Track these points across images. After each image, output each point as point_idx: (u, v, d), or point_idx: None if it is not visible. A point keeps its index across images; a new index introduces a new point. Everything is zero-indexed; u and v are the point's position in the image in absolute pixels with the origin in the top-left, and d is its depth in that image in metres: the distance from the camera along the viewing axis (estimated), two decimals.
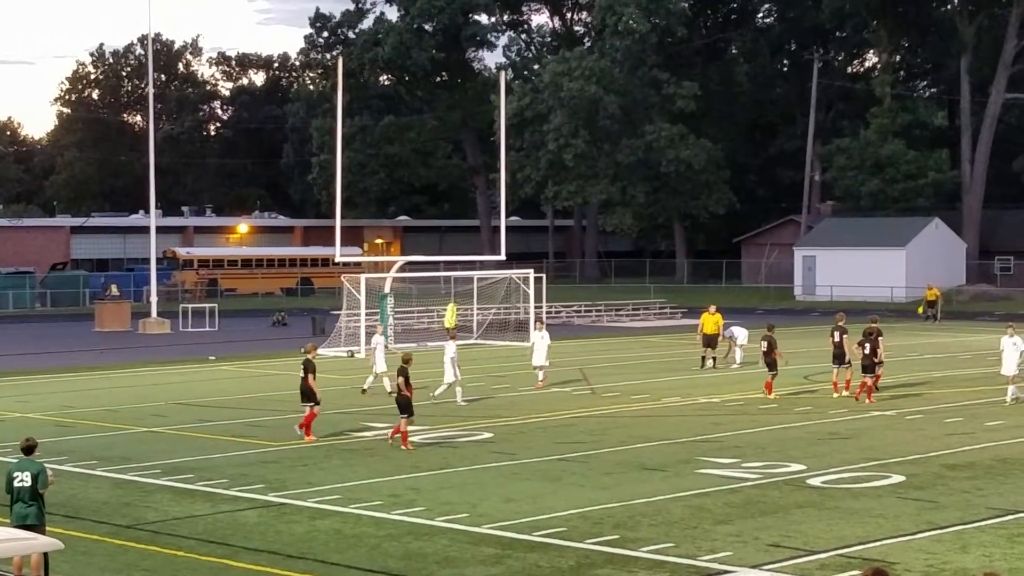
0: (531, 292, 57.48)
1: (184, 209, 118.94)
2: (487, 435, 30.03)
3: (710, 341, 45.08)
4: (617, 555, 18.65)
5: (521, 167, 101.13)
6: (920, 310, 70.57)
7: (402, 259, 65.50)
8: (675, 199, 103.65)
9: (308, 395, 29.52)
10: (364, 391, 37.57)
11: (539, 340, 39.47)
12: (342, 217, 55.93)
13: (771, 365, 36.39)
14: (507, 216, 61.41)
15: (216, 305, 70.81)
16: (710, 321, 45.39)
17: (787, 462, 25.80)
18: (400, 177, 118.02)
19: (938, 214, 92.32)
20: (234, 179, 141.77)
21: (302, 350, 31.17)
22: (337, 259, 57.49)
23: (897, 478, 24.13)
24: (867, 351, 34.72)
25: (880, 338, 35.02)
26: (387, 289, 55.92)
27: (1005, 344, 35.08)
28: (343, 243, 56.46)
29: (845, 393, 35.92)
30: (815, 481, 23.93)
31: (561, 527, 20.38)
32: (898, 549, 18.85)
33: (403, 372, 28.32)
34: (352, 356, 50.82)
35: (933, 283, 73.48)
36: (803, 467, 25.24)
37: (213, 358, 50.12)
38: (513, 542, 19.56)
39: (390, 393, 36.71)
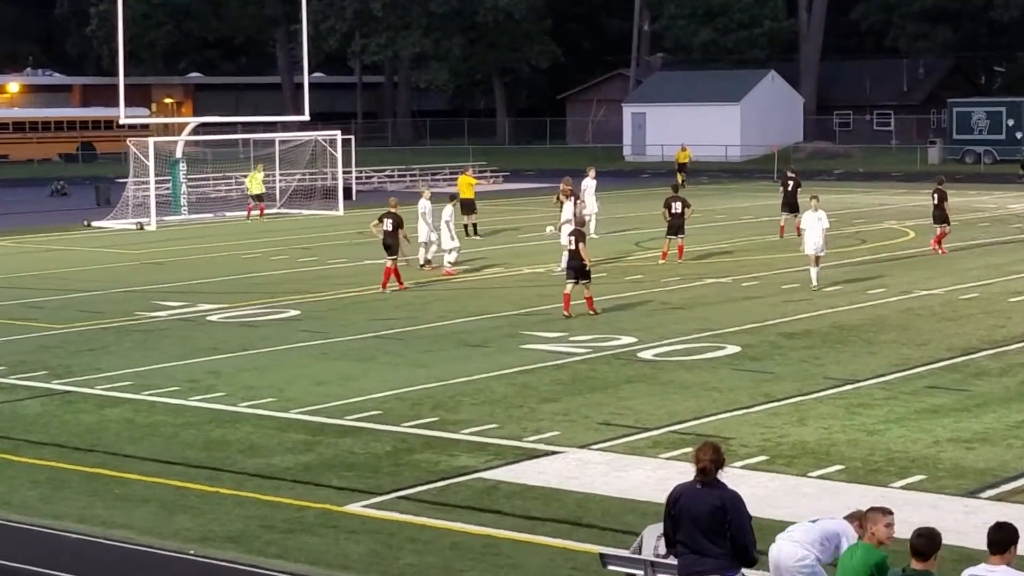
0: (339, 155, 57.15)
1: None
2: (293, 312, 29.92)
3: (468, 206, 44.23)
4: (437, 438, 18.80)
5: (325, 17, 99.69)
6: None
7: (195, 120, 64.46)
8: (494, 52, 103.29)
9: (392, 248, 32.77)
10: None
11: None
12: (126, 75, 54.61)
13: (939, 218, 37.98)
14: (310, 72, 60.61)
15: None
16: (465, 183, 44.98)
17: (617, 335, 26.17)
18: (190, 30, 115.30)
19: (774, 66, 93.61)
20: (1, 32, 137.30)
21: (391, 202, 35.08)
22: (122, 121, 56.21)
23: (732, 349, 24.64)
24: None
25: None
26: (179, 154, 55.16)
27: (808, 220, 31.83)
28: (128, 103, 55.20)
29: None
30: (647, 354, 24.33)
31: (376, 410, 20.46)
32: (733, 423, 19.32)
33: (581, 236, 28.39)
34: (141, 229, 50.00)
35: (770, 141, 74.00)
36: (634, 340, 25.63)
37: None
38: (324, 427, 19.59)
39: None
